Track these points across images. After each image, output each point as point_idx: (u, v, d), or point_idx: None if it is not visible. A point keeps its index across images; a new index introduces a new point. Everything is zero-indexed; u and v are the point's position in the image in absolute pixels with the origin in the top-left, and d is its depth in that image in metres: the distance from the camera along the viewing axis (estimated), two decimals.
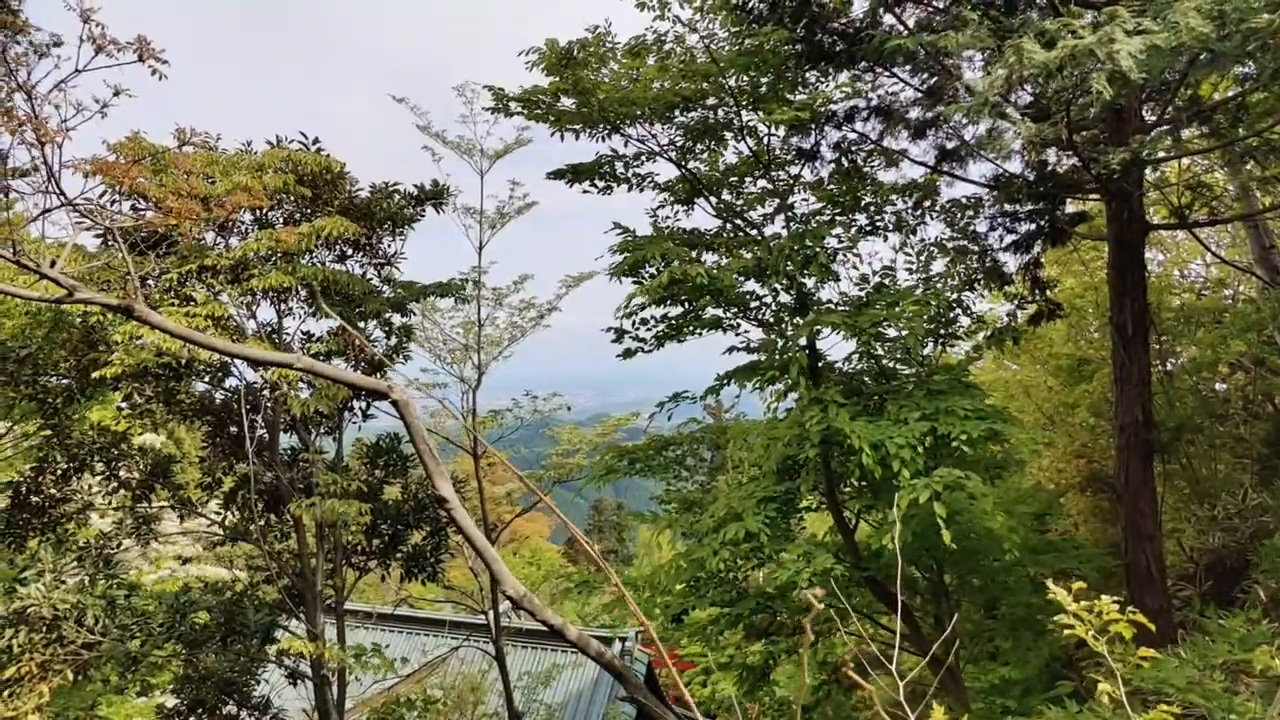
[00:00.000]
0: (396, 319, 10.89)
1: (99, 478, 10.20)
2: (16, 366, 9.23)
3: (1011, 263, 9.53)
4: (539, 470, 10.96)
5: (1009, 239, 9.35)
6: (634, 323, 8.77)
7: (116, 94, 6.27)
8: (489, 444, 10.83)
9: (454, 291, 10.37)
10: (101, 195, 8.96)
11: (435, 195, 11.06)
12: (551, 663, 15.24)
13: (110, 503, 9.92)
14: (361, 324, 10.46)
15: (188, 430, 14.45)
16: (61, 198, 5.83)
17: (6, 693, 7.84)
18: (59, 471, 9.82)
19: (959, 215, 9.22)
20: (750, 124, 8.76)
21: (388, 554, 9.80)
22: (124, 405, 9.92)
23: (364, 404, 10.58)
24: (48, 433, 9.84)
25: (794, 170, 9.21)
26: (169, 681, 9.77)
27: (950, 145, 8.89)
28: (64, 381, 9.64)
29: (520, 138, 11.72)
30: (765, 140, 8.89)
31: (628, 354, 8.74)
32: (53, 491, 9.72)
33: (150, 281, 9.80)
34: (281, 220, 10.48)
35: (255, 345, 9.49)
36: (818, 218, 8.85)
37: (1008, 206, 9.06)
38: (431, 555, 9.99)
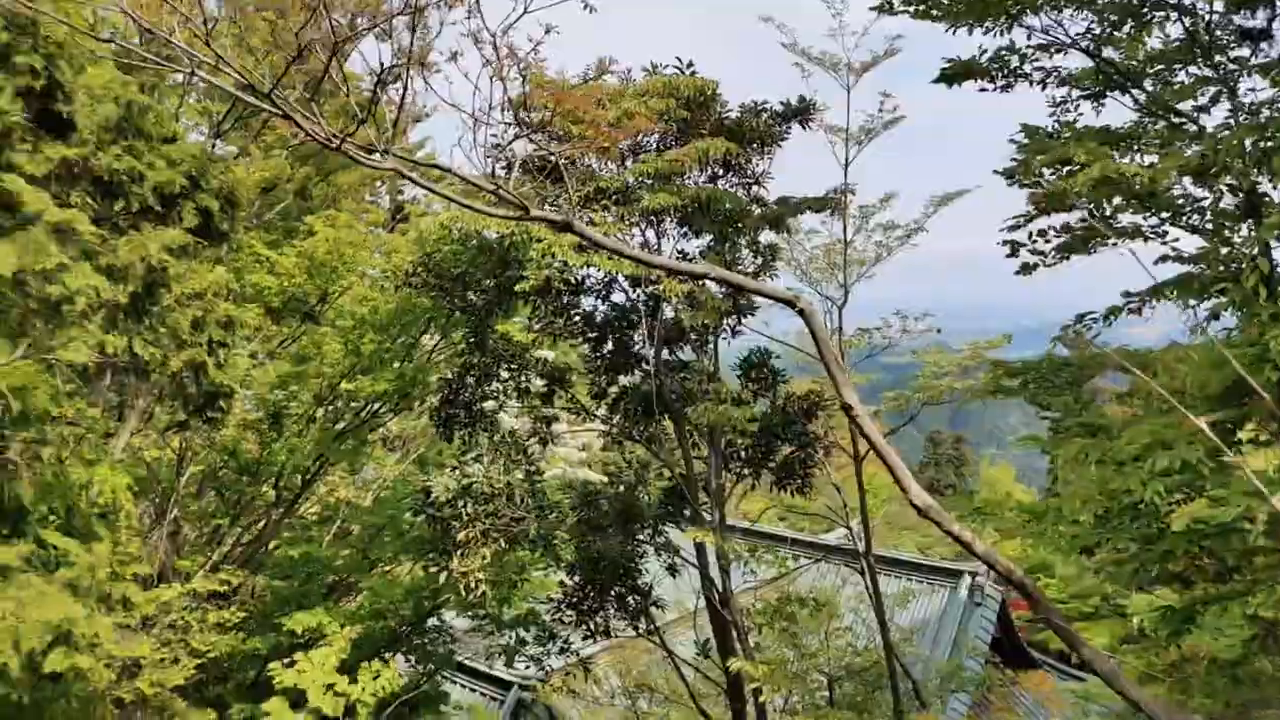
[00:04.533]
0: (764, 238, 11.13)
1: (505, 384, 11.76)
2: (451, 284, 10.84)
3: None
4: (905, 393, 10.76)
5: None
6: (1030, 235, 8.14)
7: (547, 31, 6.88)
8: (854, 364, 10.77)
9: (829, 205, 10.34)
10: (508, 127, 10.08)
11: (802, 111, 11.02)
12: (903, 588, 15.15)
13: (521, 404, 11.40)
14: (733, 242, 10.81)
15: (572, 346, 16.04)
16: (519, 128, 6.60)
17: (459, 552, 9.47)
18: (479, 375, 11.45)
19: None
20: (1185, 2, 7.57)
21: (761, 464, 10.24)
22: (529, 319, 11.26)
23: (733, 320, 11.00)
24: (471, 340, 11.51)
25: (1238, 53, 7.83)
26: (570, 561, 11.17)
27: None
28: (484, 297, 11.14)
29: (890, 48, 11.25)
30: (1203, 20, 7.63)
31: (1025, 269, 8.16)
32: (476, 391, 11.38)
33: (547, 206, 10.92)
34: (654, 146, 11.09)
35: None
36: (1271, 107, 7.47)
37: None
38: (800, 468, 10.28)
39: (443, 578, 9.36)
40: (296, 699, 5.98)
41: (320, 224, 11.99)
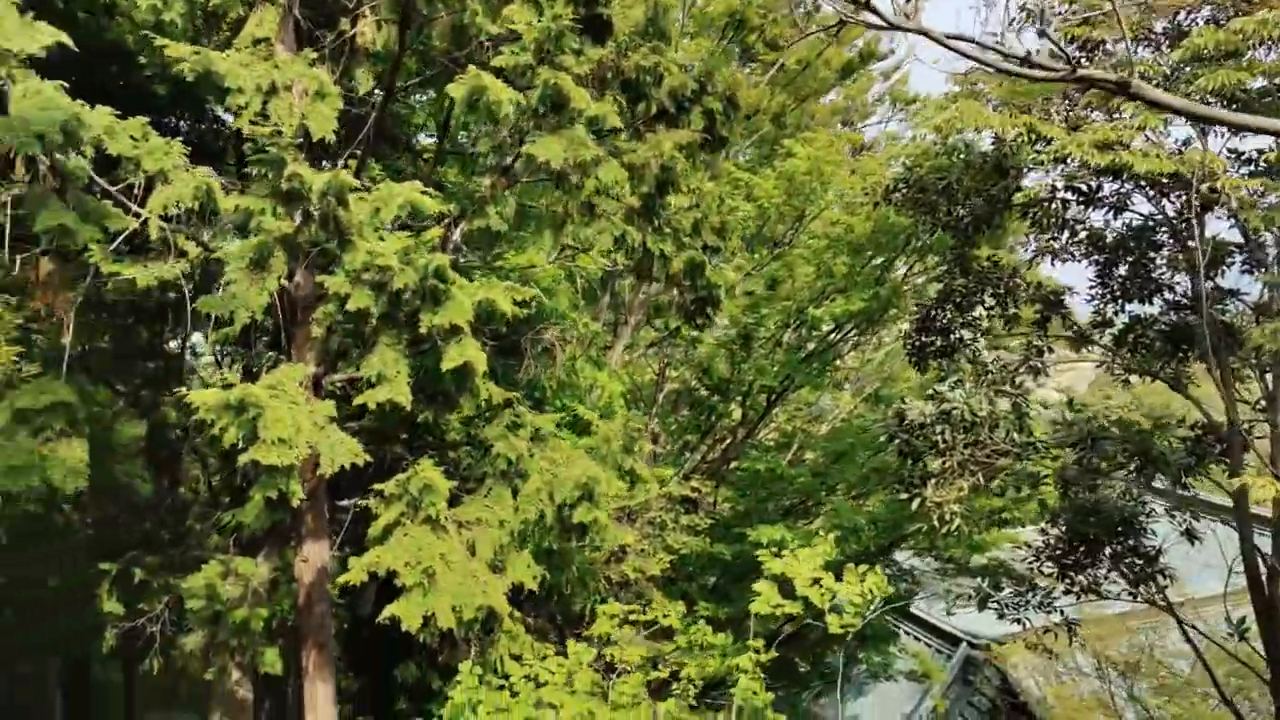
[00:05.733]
0: None
1: (990, 310, 10.70)
2: (935, 198, 10.09)
3: None
4: None
5: None
6: None
7: None
8: None
9: None
10: None
11: None
12: None
13: (1008, 332, 10.33)
14: None
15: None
16: None
17: (933, 481, 8.91)
18: (959, 299, 10.58)
19: None
20: None
21: None
22: (1026, 236, 10.09)
23: None
24: (952, 262, 10.67)
25: None
26: (1054, 508, 9.95)
27: None
28: (971, 212, 10.19)
29: None
30: None
31: None
32: (955, 317, 10.54)
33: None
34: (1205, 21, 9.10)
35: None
36: None
37: None
38: None
39: (914, 505, 8.84)
40: (782, 588, 6.03)
41: (799, 145, 12.00)
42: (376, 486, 6.17)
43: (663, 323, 14.85)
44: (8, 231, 5.96)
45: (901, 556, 15.34)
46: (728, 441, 15.57)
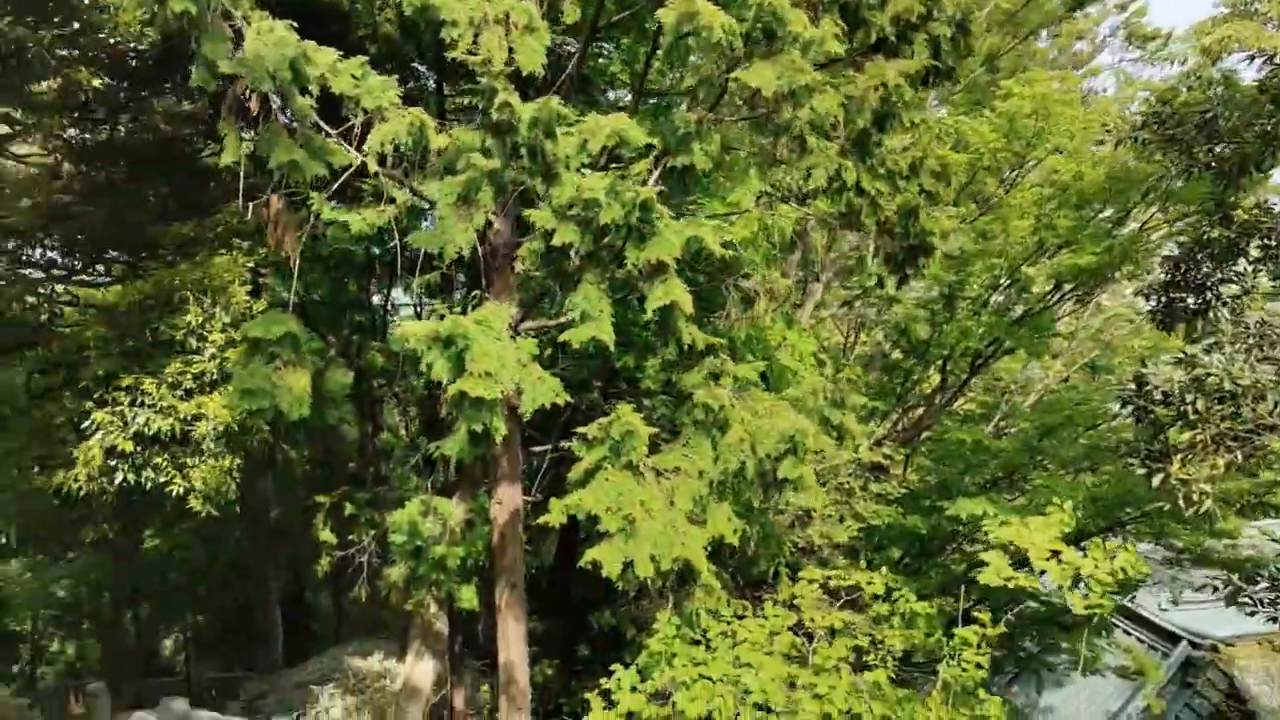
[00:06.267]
0: None
1: (1256, 263, 9.29)
2: (1193, 133, 8.81)
3: None
4: None
5: None
6: None
7: None
8: None
9: None
10: None
11: None
12: None
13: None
14: None
15: None
16: None
17: (1180, 457, 7.83)
18: (1217, 250, 9.24)
19: None
20: None
21: None
22: None
23: None
24: (1209, 208, 9.34)
25: None
26: None
27: None
28: (1238, 150, 8.83)
29: None
30: None
31: None
32: (1212, 271, 9.23)
33: None
34: None
35: None
36: None
37: None
38: None
39: (1155, 482, 7.80)
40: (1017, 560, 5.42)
41: (1017, 86, 10.85)
42: (579, 430, 6.05)
43: (857, 282, 14.09)
44: (242, 180, 6.27)
45: (1117, 543, 13.96)
46: (922, 409, 14.64)
